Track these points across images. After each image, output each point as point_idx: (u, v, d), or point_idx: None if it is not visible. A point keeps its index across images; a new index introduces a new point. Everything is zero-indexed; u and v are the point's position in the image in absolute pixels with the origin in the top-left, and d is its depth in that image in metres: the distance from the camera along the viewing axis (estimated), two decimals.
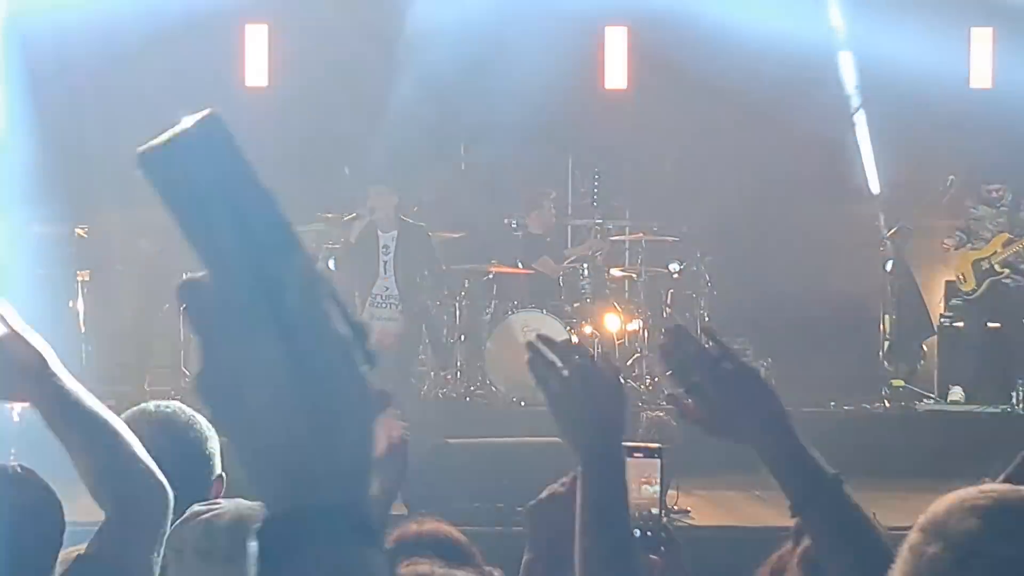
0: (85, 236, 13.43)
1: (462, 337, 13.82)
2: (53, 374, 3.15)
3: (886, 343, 13.95)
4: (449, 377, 13.72)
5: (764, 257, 15.05)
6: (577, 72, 16.48)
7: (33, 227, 13.64)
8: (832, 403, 13.17)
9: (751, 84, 14.48)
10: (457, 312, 13.84)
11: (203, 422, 3.63)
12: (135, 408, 3.72)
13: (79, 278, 13.37)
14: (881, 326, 13.93)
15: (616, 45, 16.40)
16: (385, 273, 12.89)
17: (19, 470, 3.31)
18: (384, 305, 13.04)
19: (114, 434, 3.16)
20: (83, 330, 13.40)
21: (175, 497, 3.19)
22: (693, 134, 15.58)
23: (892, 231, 13.86)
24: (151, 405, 3.86)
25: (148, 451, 3.21)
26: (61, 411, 3.15)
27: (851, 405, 13.34)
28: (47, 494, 3.26)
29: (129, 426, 3.27)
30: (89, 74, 15.08)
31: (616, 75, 16.39)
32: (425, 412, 12.94)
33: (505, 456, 10.23)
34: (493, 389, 13.40)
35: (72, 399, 3.15)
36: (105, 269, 13.63)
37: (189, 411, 3.75)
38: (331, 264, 13.28)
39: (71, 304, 13.49)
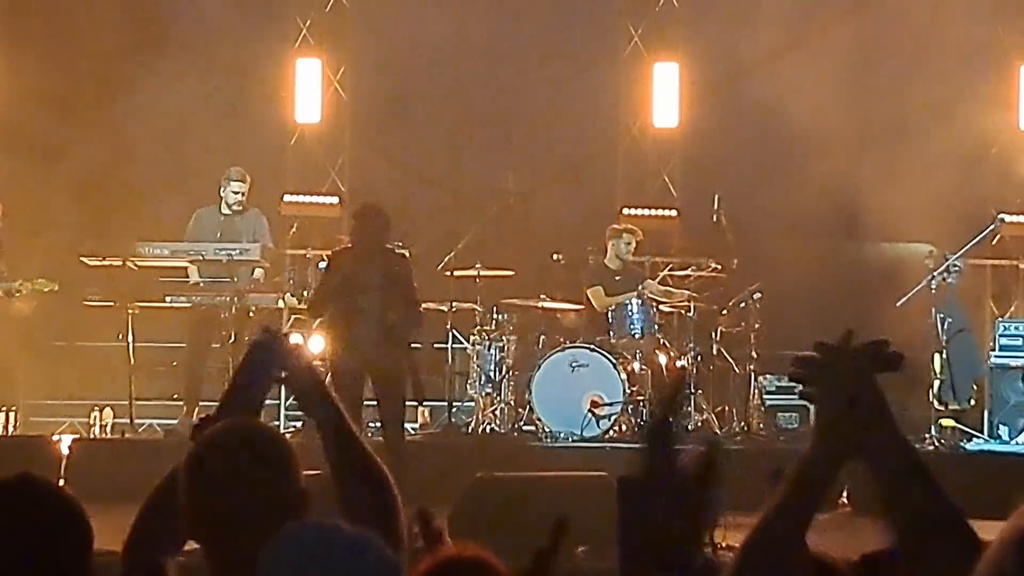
0: (135, 268, 13.47)
1: (511, 372, 13.80)
2: (335, 398, 3.67)
3: (936, 382, 13.84)
4: (496, 412, 13.71)
5: (813, 293, 14.99)
6: (628, 107, 16.56)
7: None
8: None
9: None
10: (507, 346, 13.84)
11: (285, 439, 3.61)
12: (220, 425, 3.68)
13: (129, 310, 13.42)
14: (931, 365, 13.83)
15: (666, 81, 16.42)
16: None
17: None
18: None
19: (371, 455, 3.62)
20: (132, 362, 13.45)
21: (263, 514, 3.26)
22: (744, 169, 15.56)
23: (941, 269, 13.76)
24: (233, 422, 3.85)
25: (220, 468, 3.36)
26: (335, 431, 3.61)
27: None
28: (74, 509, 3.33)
29: (220, 444, 3.42)
30: None
31: (666, 111, 16.43)
32: (472, 447, 12.93)
33: (551, 491, 10.19)
34: (541, 424, 13.38)
35: (346, 421, 3.63)
36: (155, 302, 13.68)
37: (269, 427, 3.76)
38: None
39: (120, 336, 13.55)
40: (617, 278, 14.46)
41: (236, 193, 13.86)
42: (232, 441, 3.44)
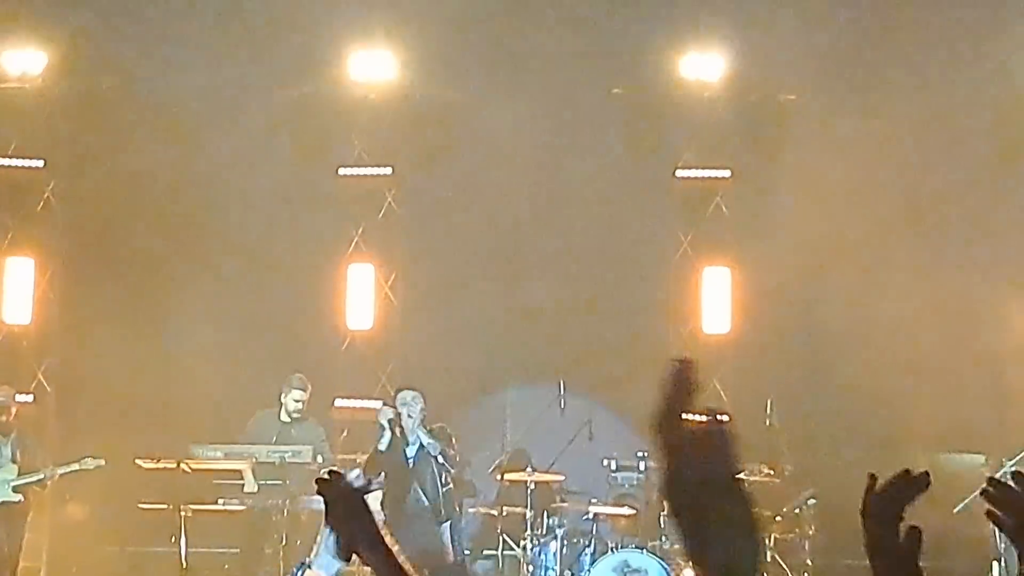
0: (190, 471, 13.51)
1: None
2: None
3: None
4: None
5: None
6: (678, 312, 16.65)
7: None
8: None
9: None
10: (557, 551, 13.76)
11: None
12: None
13: (182, 513, 13.42)
14: (990, 573, 13.65)
15: (716, 286, 16.54)
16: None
17: None
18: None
19: None
20: (185, 565, 13.40)
21: None
22: (796, 375, 15.58)
23: (999, 475, 13.65)
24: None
25: None
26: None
27: None
28: None
29: None
30: None
31: (717, 317, 16.51)
32: None
33: None
34: None
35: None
36: (208, 504, 13.70)
37: None
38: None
39: (173, 540, 13.52)
40: None
41: (297, 401, 14.01)
42: None
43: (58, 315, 16.49)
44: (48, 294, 16.61)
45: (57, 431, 15.73)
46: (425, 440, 12.43)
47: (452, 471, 12.48)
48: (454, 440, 12.74)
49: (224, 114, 16.06)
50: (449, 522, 12.25)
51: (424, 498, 12.26)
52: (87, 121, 16.40)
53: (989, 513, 2.67)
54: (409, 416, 12.50)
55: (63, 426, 15.74)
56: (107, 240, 16.10)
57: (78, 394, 15.83)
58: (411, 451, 12.36)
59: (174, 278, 15.82)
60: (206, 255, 15.85)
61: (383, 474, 12.53)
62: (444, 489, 12.35)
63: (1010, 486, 2.68)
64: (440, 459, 12.27)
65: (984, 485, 2.70)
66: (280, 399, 14.06)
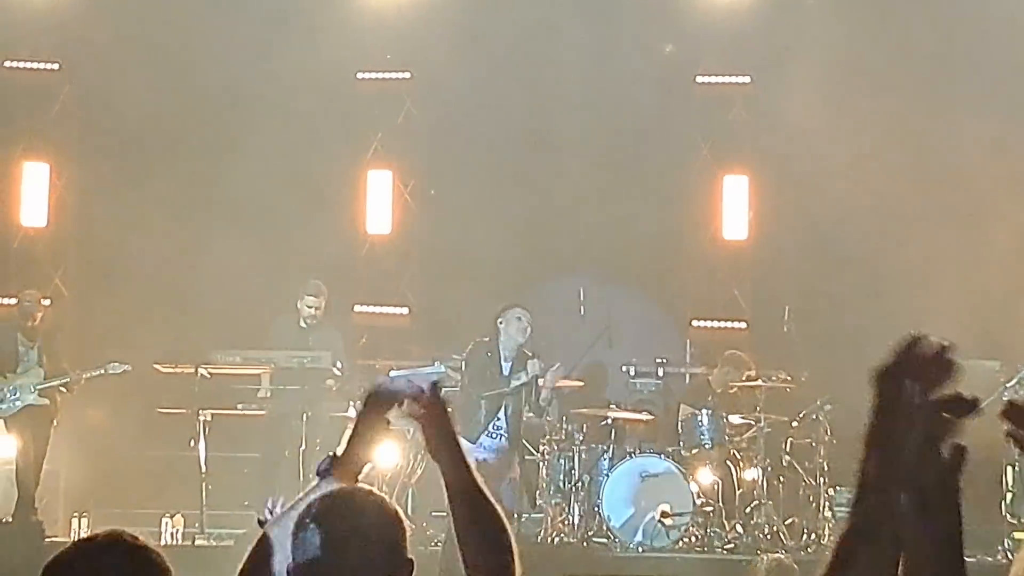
0: (209, 376, 13.59)
1: (581, 481, 13.77)
2: (463, 449, 3.62)
3: (1008, 495, 13.71)
4: (566, 522, 13.65)
5: None
6: (697, 219, 16.62)
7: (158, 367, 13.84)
8: None
9: None
10: (576, 456, 13.82)
11: (394, 506, 3.62)
12: (334, 492, 3.71)
13: (201, 417, 13.50)
14: (1004, 477, 13.70)
15: (735, 193, 16.49)
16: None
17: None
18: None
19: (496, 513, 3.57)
20: (204, 469, 13.50)
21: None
22: (813, 282, 15.55)
23: (1014, 381, 13.67)
24: (345, 489, 3.85)
25: (339, 533, 3.40)
26: (461, 482, 3.56)
27: (972, 557, 13.06)
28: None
29: (327, 509, 3.46)
30: None
31: (736, 223, 16.48)
32: (543, 556, 12.87)
33: None
34: (612, 534, 13.32)
35: (472, 475, 3.57)
36: (227, 409, 13.78)
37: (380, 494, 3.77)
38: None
39: (192, 444, 13.62)
40: (718, 390, 14.54)
41: (311, 307, 14.01)
42: (347, 508, 3.49)
43: (75, 219, 16.53)
44: (65, 198, 16.64)
45: (74, 335, 15.78)
46: (531, 369, 12.39)
47: (536, 402, 12.51)
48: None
49: (240, 17, 15.97)
50: (517, 449, 12.40)
51: (505, 423, 12.33)
52: (102, 23, 16.32)
53: (1010, 435, 2.62)
54: (523, 330, 12.50)
55: (80, 330, 15.78)
56: (123, 143, 16.08)
57: (95, 298, 15.88)
58: (507, 370, 12.42)
59: (191, 182, 15.81)
60: (223, 159, 15.81)
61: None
62: (526, 416, 12.43)
63: None
64: (533, 387, 12.32)
65: (1005, 405, 2.65)
66: (296, 306, 14.10)
